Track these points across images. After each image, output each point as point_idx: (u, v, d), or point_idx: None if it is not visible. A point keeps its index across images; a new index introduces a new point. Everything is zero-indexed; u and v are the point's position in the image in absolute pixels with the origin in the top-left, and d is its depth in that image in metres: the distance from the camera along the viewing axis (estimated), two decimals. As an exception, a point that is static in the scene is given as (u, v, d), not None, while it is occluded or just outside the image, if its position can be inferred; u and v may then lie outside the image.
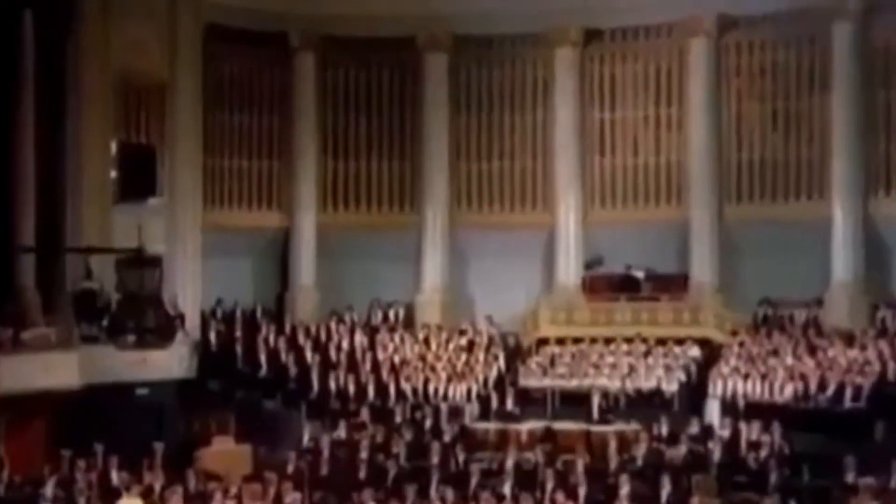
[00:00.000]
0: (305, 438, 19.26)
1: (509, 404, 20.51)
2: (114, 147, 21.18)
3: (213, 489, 15.32)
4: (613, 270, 23.68)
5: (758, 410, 19.06)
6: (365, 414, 20.32)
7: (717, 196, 23.74)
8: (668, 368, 21.18)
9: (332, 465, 17.69)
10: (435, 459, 17.47)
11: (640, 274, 23.25)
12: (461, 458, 17.67)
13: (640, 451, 17.42)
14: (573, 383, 21.06)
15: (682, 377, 21.00)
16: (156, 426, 19.07)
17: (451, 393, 21.36)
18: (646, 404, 20.37)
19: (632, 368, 21.34)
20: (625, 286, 23.34)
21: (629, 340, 22.14)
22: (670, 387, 20.80)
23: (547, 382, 21.22)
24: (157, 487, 15.67)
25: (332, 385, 21.28)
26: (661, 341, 21.99)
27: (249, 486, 14.79)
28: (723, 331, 22.49)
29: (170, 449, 17.92)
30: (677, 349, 21.76)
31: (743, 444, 17.50)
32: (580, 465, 16.39)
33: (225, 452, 18.90)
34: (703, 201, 23.68)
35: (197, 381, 21.02)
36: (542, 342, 23.08)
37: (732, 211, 23.74)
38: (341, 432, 19.25)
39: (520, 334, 23.67)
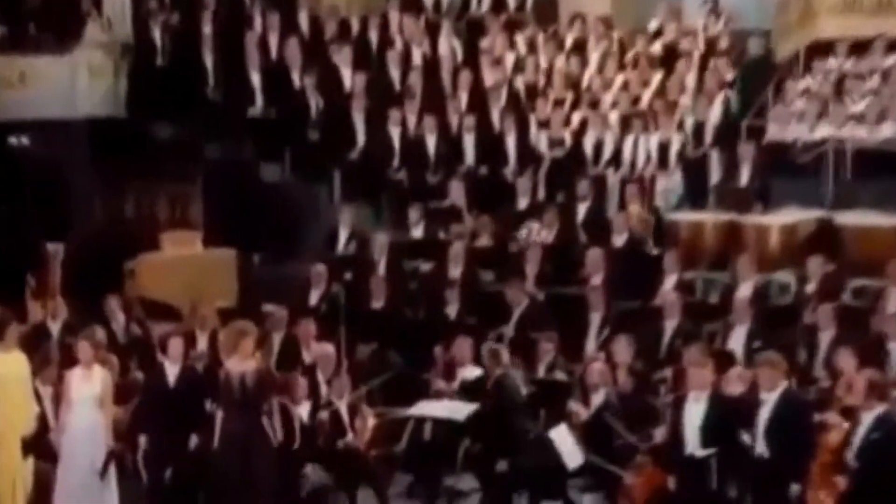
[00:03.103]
0: (342, 238, 19.67)
1: (744, 175, 20.66)
2: None
3: (162, 335, 15.43)
4: None
5: None
6: (457, 192, 20.56)
7: None
8: None
9: (394, 289, 18.16)
10: (595, 280, 17.84)
11: None
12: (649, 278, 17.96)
13: None
14: (882, 134, 20.81)
15: None
16: (48, 209, 19.48)
17: (628, 150, 21.52)
18: None
19: None
20: None
21: None
22: None
23: (825, 132, 21.04)
24: (55, 329, 16.28)
25: (394, 134, 21.50)
26: None
27: (232, 330, 14.38)
28: None
29: (77, 254, 18.37)
30: None
31: None
32: (893, 302, 16.35)
33: (185, 262, 19.33)
34: None
35: (128, 121, 21.37)
36: (818, 51, 22.85)
37: None
38: (413, 228, 19.65)
39: (773, 35, 23.48)
